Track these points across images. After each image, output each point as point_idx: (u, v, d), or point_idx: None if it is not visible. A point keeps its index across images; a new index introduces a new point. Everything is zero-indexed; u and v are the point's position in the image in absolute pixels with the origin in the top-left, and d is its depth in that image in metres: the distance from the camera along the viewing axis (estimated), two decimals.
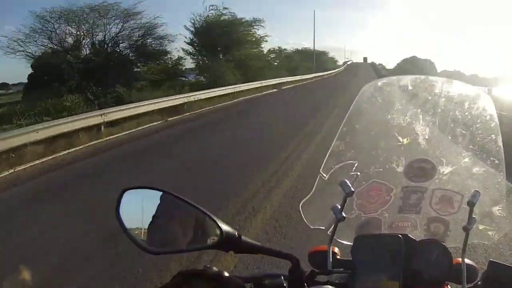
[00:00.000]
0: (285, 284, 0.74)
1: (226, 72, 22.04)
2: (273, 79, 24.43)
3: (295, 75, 29.65)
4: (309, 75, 33.97)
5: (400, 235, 0.80)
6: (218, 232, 0.66)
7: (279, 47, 37.98)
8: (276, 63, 32.74)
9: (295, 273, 0.75)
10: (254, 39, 27.61)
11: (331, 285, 0.80)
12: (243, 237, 0.68)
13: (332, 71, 45.18)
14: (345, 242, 0.90)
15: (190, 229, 0.69)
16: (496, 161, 0.90)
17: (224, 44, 24.73)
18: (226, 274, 0.68)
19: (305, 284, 0.76)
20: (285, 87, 24.60)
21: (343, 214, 0.82)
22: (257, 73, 25.68)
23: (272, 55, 34.21)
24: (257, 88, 20.82)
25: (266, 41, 28.61)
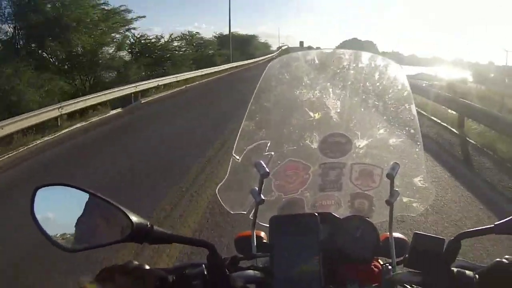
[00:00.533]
0: (206, 273, 0.71)
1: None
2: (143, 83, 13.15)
3: (206, 68, 21.38)
4: (224, 66, 25.33)
5: (316, 214, 0.78)
6: (130, 224, 0.64)
7: (189, 31, 27.87)
8: (181, 53, 23.23)
9: (213, 260, 0.72)
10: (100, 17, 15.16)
11: (255, 269, 0.78)
12: (155, 227, 0.66)
13: (262, 58, 35.02)
14: (267, 225, 0.88)
15: (105, 224, 0.67)
16: (412, 131, 0.89)
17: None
18: (147, 267, 0.67)
19: (227, 271, 0.74)
20: (158, 95, 13.59)
21: (262, 197, 0.79)
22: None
23: (179, 43, 24.39)
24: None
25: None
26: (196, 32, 29.37)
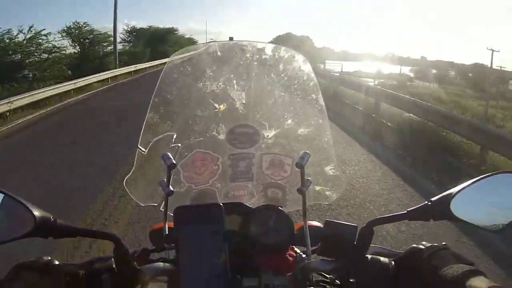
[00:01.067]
0: (114, 266, 0.70)
1: None
2: None
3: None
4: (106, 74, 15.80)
5: (221, 204, 0.78)
6: (32, 219, 0.62)
7: (74, 23, 20.21)
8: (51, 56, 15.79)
9: (120, 253, 0.72)
10: None
11: (164, 261, 0.77)
12: (58, 221, 0.66)
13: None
14: None
15: (5, 219, 0.66)
16: (320, 121, 0.91)
17: None
18: (57, 262, 0.66)
19: (135, 264, 0.73)
20: None
21: (171, 188, 0.79)
22: None
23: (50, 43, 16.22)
24: None
25: None
26: (85, 23, 20.49)
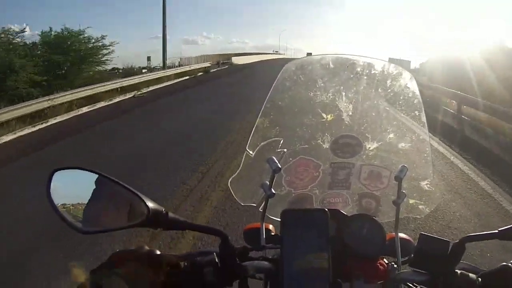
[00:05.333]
0: (217, 261, 0.75)
1: None
2: None
3: None
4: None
5: (326, 209, 0.82)
6: (145, 210, 0.67)
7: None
8: None
9: (226, 249, 0.76)
10: None
11: (264, 260, 0.82)
12: (170, 214, 0.70)
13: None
14: (277, 219, 0.92)
15: (121, 209, 0.70)
16: (421, 137, 0.93)
17: None
18: (159, 252, 0.70)
19: (238, 260, 0.78)
20: None
21: (273, 191, 0.83)
22: None
23: None
24: None
25: None
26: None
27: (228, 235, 0.76)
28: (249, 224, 0.93)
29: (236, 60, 36.05)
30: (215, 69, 26.71)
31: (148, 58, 25.61)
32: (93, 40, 17.10)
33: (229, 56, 36.14)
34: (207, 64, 26.98)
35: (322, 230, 0.79)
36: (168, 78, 18.66)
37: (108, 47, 17.71)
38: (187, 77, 20.21)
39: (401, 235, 0.88)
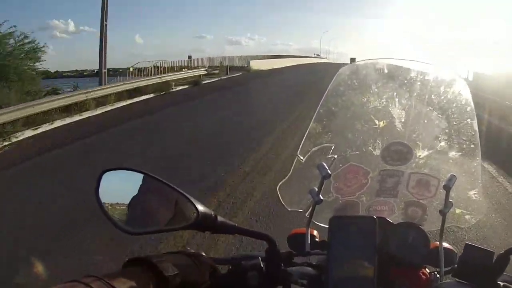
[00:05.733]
0: (262, 265, 0.74)
1: None
2: None
3: None
4: None
5: (374, 217, 0.80)
6: (195, 213, 0.66)
7: None
8: None
9: (272, 254, 0.75)
10: None
11: (308, 266, 0.81)
12: (219, 218, 0.69)
13: None
14: (322, 225, 0.90)
15: (169, 210, 0.69)
16: (472, 146, 0.91)
17: None
18: (203, 254, 0.71)
19: (282, 265, 0.77)
20: None
21: (321, 197, 0.82)
22: None
23: None
24: None
25: None
26: None
27: (275, 240, 0.75)
28: (293, 230, 0.92)
29: (257, 65, 27.47)
30: (215, 79, 19.58)
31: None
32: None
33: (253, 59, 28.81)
34: (199, 72, 19.10)
35: (370, 238, 0.78)
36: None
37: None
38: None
39: (445, 244, 0.87)
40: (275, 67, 30.17)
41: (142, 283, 0.55)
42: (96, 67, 13.07)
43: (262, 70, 26.55)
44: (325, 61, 56.11)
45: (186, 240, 3.02)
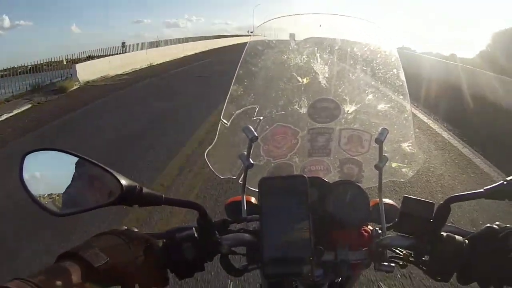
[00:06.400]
0: (196, 235, 0.72)
1: None
2: None
3: None
4: None
5: (305, 175, 0.79)
6: (119, 187, 0.64)
7: None
8: None
9: (204, 223, 0.74)
10: None
11: (244, 232, 0.79)
12: (144, 190, 0.67)
13: None
14: (256, 190, 0.89)
15: (94, 188, 0.68)
16: (401, 96, 0.90)
17: None
18: (136, 230, 0.68)
19: (217, 234, 0.75)
20: None
21: (251, 161, 0.80)
22: None
23: None
24: None
25: None
26: None
27: (205, 208, 0.73)
28: (230, 198, 0.90)
29: (87, 68, 12.71)
30: None
31: None
32: None
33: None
34: None
35: (302, 197, 0.76)
36: None
37: None
38: None
39: (386, 200, 0.86)
40: (159, 61, 18.00)
41: (72, 279, 0.54)
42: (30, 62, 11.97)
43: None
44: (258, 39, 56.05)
45: None
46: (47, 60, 12.96)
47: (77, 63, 12.96)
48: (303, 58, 0.86)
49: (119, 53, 17.17)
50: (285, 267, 0.72)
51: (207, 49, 25.41)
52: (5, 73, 11.48)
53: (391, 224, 0.82)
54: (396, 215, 0.83)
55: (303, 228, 0.74)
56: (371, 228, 0.86)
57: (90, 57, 15.68)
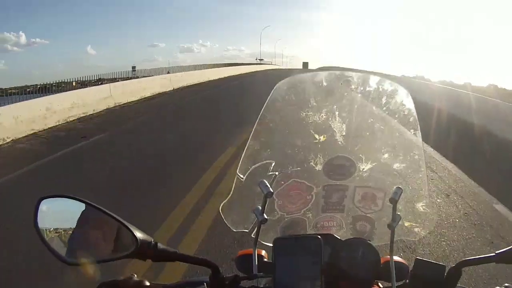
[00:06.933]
0: None
1: None
2: None
3: None
4: None
5: (319, 236, 0.78)
6: (134, 241, 0.65)
7: None
8: None
9: (216, 279, 0.74)
10: None
11: None
12: (159, 245, 0.67)
13: None
14: (270, 245, 0.87)
15: (109, 239, 0.68)
16: (416, 157, 0.89)
17: None
18: (148, 283, 0.68)
19: None
20: None
21: (265, 216, 0.79)
22: None
23: None
24: None
25: None
26: None
27: (218, 265, 0.73)
28: (241, 251, 0.89)
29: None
30: None
31: None
32: None
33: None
34: None
35: (315, 257, 0.76)
36: None
37: None
38: None
39: (396, 258, 0.86)
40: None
41: None
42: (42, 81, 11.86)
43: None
44: (272, 67, 45.57)
45: None
46: (58, 81, 12.95)
47: (86, 86, 12.88)
48: (322, 115, 0.85)
49: (130, 78, 16.42)
50: None
51: (216, 78, 23.09)
52: (15, 91, 11.44)
53: (402, 283, 0.81)
54: (405, 273, 0.83)
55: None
56: (381, 286, 0.85)
57: (100, 80, 15.35)
